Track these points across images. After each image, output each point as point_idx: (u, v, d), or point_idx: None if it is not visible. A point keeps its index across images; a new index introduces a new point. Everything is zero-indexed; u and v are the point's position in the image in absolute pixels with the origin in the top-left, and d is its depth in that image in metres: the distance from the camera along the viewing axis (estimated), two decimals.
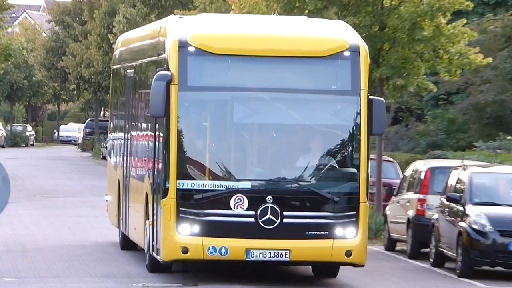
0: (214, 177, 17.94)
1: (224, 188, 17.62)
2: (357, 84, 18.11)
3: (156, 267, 19.77)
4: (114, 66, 31.58)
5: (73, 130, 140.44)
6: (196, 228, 17.36)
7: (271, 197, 17.54)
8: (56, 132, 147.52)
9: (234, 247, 17.38)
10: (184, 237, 17.35)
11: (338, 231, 17.81)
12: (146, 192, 20.67)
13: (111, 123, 32.85)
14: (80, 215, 45.82)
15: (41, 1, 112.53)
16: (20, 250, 27.93)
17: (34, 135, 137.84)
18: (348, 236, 17.83)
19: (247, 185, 17.73)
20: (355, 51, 18.24)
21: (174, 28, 18.59)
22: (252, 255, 17.35)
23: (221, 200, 17.64)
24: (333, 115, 18.95)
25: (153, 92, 17.45)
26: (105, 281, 20.26)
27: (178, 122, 17.56)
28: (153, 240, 19.24)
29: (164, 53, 18.69)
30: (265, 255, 17.47)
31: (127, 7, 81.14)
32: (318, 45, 18.72)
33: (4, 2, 66.62)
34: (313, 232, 17.81)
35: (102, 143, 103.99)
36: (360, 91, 18.07)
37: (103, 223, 36.83)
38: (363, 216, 18.17)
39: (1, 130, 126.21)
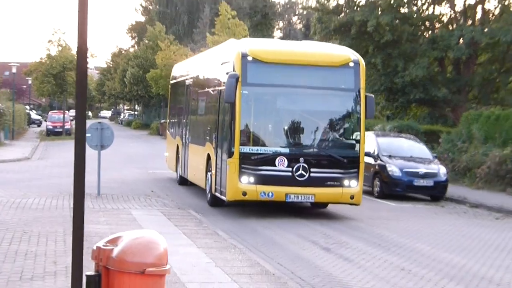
0: (264, 144, 18.51)
1: (271, 152, 18.16)
2: (358, 85, 18.76)
3: (215, 202, 20.22)
4: (172, 82, 31.17)
5: (106, 113, 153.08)
6: (252, 179, 17.86)
7: (303, 159, 18.15)
8: (99, 114, 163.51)
9: (277, 192, 17.96)
10: (244, 185, 17.85)
11: (346, 182, 18.50)
12: (208, 153, 21.11)
13: (170, 112, 32.09)
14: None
15: (92, 65, 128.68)
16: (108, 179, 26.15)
17: (90, 115, 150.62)
18: (352, 186, 18.53)
19: (286, 150, 18.37)
20: (357, 63, 18.90)
21: (237, 46, 19.13)
22: (289, 198, 18.08)
23: (269, 160, 18.10)
24: (342, 105, 19.32)
25: (227, 86, 17.70)
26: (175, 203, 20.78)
27: (241, 106, 17.83)
28: (215, 185, 19.72)
29: (229, 62, 19.03)
30: (297, 198, 18.32)
31: (130, 68, 78.68)
32: (332, 59, 19.29)
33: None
34: (329, 183, 18.49)
35: (118, 118, 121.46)
36: (360, 90, 18.78)
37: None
38: (361, 172, 18.88)
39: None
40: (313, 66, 18.87)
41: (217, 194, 19.56)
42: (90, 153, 25.50)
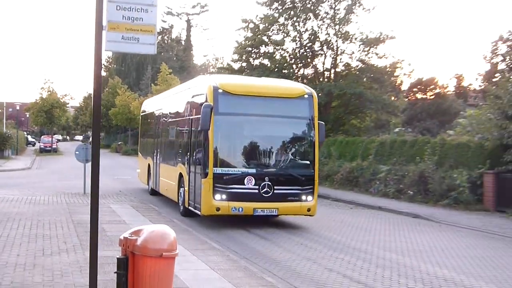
0: (234, 166, 14.58)
1: (240, 173, 14.39)
2: (312, 113, 15.23)
3: (187, 213, 16.20)
4: (142, 114, 26.45)
5: (79, 137, 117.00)
6: (224, 196, 14.16)
7: (268, 178, 14.49)
8: (74, 138, 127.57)
9: (246, 207, 14.28)
10: (217, 201, 14.13)
11: (303, 197, 14.90)
12: (180, 172, 17.08)
13: (141, 137, 26.89)
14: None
15: (70, 105, 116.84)
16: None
17: (68, 138, 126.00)
18: (308, 200, 14.93)
19: (253, 170, 14.51)
20: (310, 95, 15.42)
21: (209, 80, 15.17)
22: (257, 212, 14.34)
23: (239, 179, 14.36)
24: (299, 130, 15.50)
25: (202, 115, 14.00)
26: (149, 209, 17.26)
27: (213, 133, 14.13)
28: (189, 200, 15.88)
29: (202, 94, 15.21)
30: (263, 212, 14.50)
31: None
32: (290, 91, 15.66)
33: (64, 108, 65.20)
34: (290, 198, 14.79)
35: (87, 141, 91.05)
36: (314, 117, 15.25)
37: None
38: (316, 188, 15.30)
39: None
40: (274, 97, 15.37)
41: (191, 208, 15.81)
42: (75, 165, 25.40)
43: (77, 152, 20.00)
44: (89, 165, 21.35)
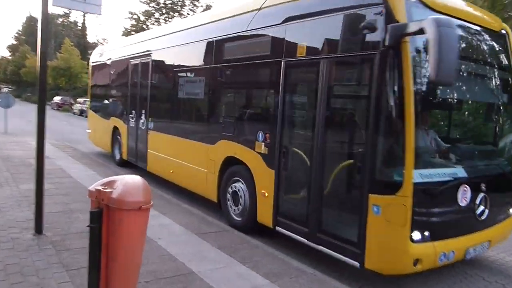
0: (440, 164, 2.69)
1: (451, 178, 2.68)
2: None
3: (249, 228, 4.18)
4: (99, 62, 9.95)
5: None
6: (427, 232, 2.56)
7: (484, 185, 3.03)
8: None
9: (458, 248, 2.82)
10: (417, 245, 2.49)
11: (511, 210, 3.62)
12: (251, 167, 4.12)
13: (94, 91, 10.43)
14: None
15: None
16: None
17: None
18: None
19: (465, 173, 2.84)
20: (506, 31, 3.72)
21: None
22: (469, 254, 2.95)
23: (449, 193, 2.71)
24: (508, 91, 3.46)
25: (442, 47, 2.04)
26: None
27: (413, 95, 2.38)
28: (299, 225, 3.46)
29: (375, 6, 2.76)
30: (475, 251, 3.00)
31: (9, 68, 58.55)
32: (491, 21, 3.44)
33: None
34: (503, 216, 3.40)
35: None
36: None
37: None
38: None
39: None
40: (481, 27, 3.43)
41: (337, 255, 3.26)
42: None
43: (0, 100, 15.46)
44: (8, 109, 16.16)
